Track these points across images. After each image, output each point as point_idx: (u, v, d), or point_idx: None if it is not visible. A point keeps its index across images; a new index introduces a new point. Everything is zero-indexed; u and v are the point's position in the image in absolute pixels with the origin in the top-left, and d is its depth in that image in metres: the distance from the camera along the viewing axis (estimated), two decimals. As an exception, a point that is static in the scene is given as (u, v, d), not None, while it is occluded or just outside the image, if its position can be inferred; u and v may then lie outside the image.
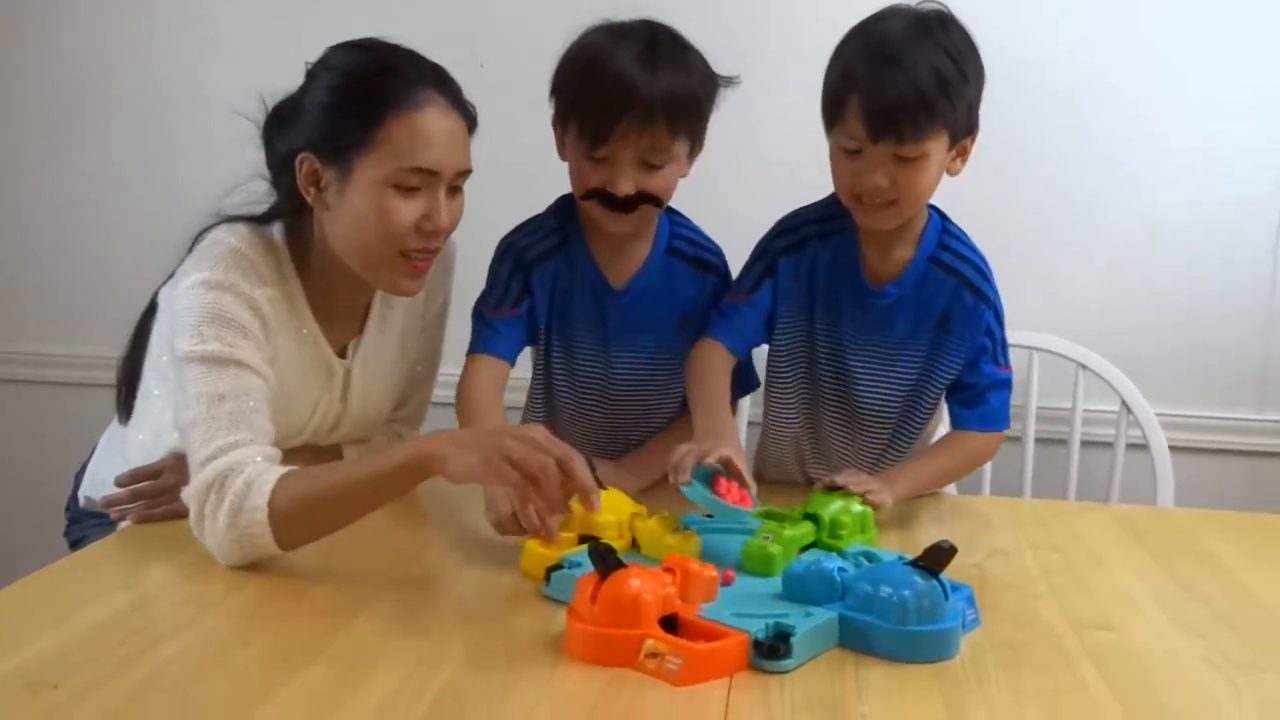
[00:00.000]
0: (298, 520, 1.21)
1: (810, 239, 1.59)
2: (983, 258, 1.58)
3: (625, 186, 1.48)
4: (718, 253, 1.68)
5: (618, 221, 1.53)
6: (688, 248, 1.65)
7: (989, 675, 1.03)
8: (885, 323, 1.57)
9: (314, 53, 1.44)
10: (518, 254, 1.61)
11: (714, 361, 1.58)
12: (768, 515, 1.38)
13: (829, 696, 0.98)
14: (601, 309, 1.63)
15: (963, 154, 1.50)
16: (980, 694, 1.00)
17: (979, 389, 1.57)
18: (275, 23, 2.31)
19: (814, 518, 1.33)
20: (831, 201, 1.57)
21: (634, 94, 1.44)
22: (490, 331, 1.59)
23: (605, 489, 1.35)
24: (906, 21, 1.45)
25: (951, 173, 1.50)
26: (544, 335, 1.65)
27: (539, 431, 1.19)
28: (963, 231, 1.59)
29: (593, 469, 1.38)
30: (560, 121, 1.54)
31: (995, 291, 1.57)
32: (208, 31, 2.35)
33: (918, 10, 1.47)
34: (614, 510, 1.30)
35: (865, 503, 1.38)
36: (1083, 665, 1.06)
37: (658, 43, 1.49)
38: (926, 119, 1.40)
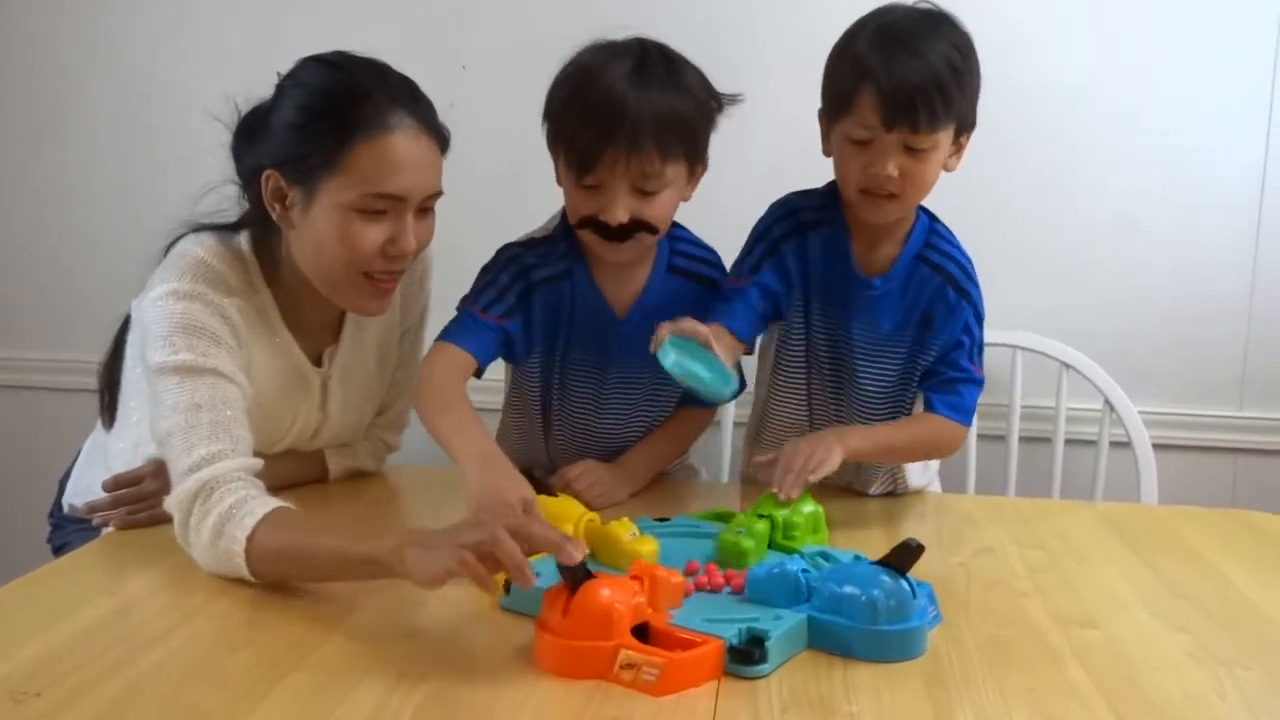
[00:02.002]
0: (270, 565, 1.19)
1: (808, 227, 1.58)
2: (968, 257, 1.59)
3: (619, 215, 1.45)
4: (716, 263, 1.64)
5: (614, 250, 1.50)
6: (688, 263, 1.62)
7: (975, 673, 1.04)
8: (872, 315, 1.58)
9: (298, 55, 1.43)
10: (524, 269, 1.57)
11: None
12: (718, 517, 1.39)
13: (816, 697, 0.98)
14: (603, 336, 1.60)
15: (959, 150, 1.51)
16: (967, 692, 1.00)
17: (952, 379, 1.57)
18: (258, 24, 2.30)
19: (767, 519, 1.32)
20: (826, 192, 1.58)
21: (620, 117, 1.39)
22: (473, 326, 1.54)
23: (557, 496, 1.36)
24: (913, 14, 1.46)
25: (948, 169, 1.51)
26: (538, 353, 1.62)
27: (488, 514, 1.11)
28: (950, 231, 1.60)
29: (545, 485, 1.38)
30: (551, 146, 1.51)
31: (978, 292, 1.58)
32: (191, 33, 2.33)
33: (918, 7, 1.48)
34: (567, 518, 1.30)
35: (816, 502, 1.37)
36: (1068, 662, 1.07)
37: (648, 61, 1.44)
38: (943, 107, 1.41)
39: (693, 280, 1.61)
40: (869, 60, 1.42)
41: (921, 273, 1.56)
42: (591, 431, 1.66)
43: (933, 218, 1.60)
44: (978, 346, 1.59)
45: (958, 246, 1.59)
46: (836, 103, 1.47)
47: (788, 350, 1.64)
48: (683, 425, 1.68)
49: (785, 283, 1.58)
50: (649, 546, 1.25)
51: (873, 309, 1.57)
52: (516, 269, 1.57)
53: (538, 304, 1.57)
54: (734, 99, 1.50)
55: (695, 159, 1.50)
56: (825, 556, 1.22)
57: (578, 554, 1.03)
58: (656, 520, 1.39)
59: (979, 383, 1.59)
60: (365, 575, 1.13)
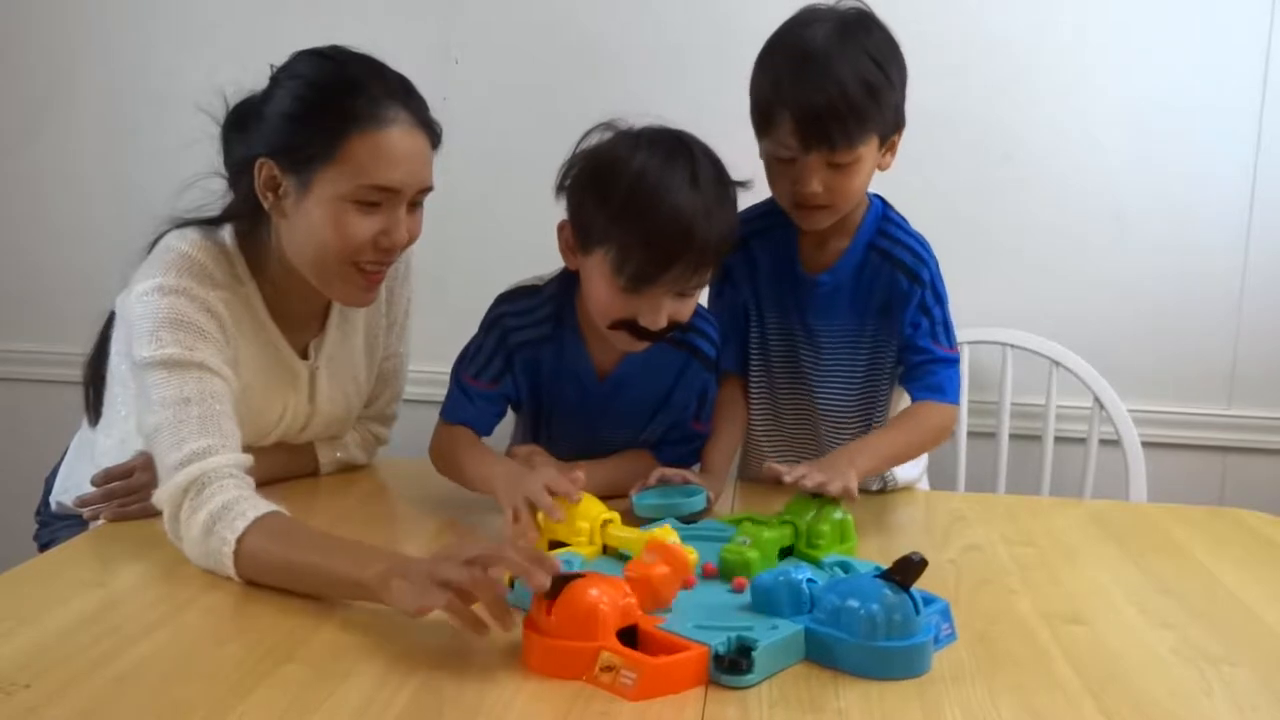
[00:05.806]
0: (256, 570, 1.18)
1: (751, 236, 1.60)
2: (921, 241, 1.58)
3: (661, 322, 1.42)
4: (714, 339, 1.59)
5: (642, 346, 1.48)
6: (681, 333, 1.55)
7: (963, 669, 1.04)
8: (827, 312, 1.59)
9: (289, 47, 1.43)
10: (505, 333, 1.55)
11: (725, 401, 1.64)
12: (745, 520, 1.38)
13: (805, 692, 0.99)
14: (583, 396, 1.58)
15: (891, 149, 1.52)
16: (955, 687, 1.00)
17: (922, 363, 1.56)
18: (247, 16, 2.29)
19: (789, 524, 1.30)
20: (769, 199, 1.58)
21: (688, 241, 1.36)
22: (467, 402, 1.55)
23: (576, 503, 1.33)
24: (829, 27, 1.45)
25: (882, 168, 1.52)
26: (525, 407, 1.62)
27: (466, 547, 1.08)
28: (903, 217, 1.60)
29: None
30: (580, 239, 1.44)
31: (933, 273, 1.56)
32: (179, 27, 2.33)
33: (838, 12, 1.47)
34: (585, 516, 1.29)
35: (845, 510, 1.34)
36: (1056, 658, 1.07)
37: (700, 172, 1.39)
38: (857, 127, 1.42)
39: (681, 349, 1.57)
40: (783, 83, 1.43)
41: (873, 262, 1.56)
42: (578, 455, 1.61)
43: (886, 205, 1.60)
44: (941, 325, 1.57)
45: (909, 231, 1.58)
46: (758, 120, 1.49)
47: (748, 356, 1.66)
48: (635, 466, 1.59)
49: (742, 291, 1.62)
50: (668, 534, 1.23)
51: (824, 304, 1.58)
52: (499, 333, 1.56)
53: (518, 365, 1.57)
54: (742, 185, 1.47)
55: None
56: (845, 567, 1.19)
57: (546, 580, 1.00)
58: (684, 523, 1.38)
59: (950, 360, 1.57)
60: (349, 597, 1.13)
